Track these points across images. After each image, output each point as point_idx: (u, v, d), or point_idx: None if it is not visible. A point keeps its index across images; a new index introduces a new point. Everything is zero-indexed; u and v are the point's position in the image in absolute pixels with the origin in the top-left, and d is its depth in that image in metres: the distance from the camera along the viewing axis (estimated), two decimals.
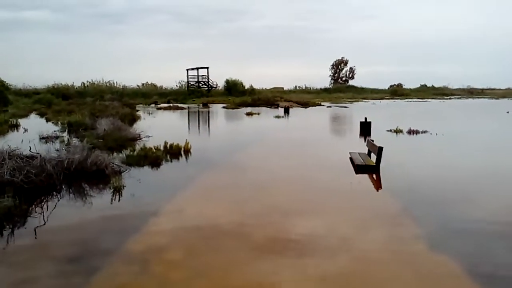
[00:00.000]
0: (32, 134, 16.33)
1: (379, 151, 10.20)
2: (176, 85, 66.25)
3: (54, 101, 39.49)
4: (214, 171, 10.68)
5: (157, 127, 21.52)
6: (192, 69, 62.46)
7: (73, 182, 9.01)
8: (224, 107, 40.94)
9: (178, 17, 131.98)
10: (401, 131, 18.41)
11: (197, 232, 6.23)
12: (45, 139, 15.40)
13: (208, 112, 36.28)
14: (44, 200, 7.83)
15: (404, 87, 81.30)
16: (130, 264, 5.09)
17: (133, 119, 25.45)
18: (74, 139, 15.09)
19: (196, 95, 56.46)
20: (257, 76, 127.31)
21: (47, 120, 24.60)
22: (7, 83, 42.42)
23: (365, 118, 18.50)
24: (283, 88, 74.66)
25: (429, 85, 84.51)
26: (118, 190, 8.33)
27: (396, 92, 73.44)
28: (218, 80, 64.40)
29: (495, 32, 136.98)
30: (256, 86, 64.13)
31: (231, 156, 13.02)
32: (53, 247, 5.67)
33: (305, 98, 52.05)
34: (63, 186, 8.69)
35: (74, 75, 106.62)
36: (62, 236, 6.09)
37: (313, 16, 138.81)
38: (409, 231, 6.28)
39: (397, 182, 9.39)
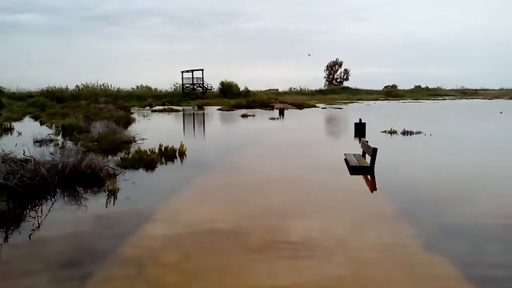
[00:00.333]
0: (26, 137, 16.25)
1: (374, 152, 10.24)
2: (171, 88, 66.18)
3: (48, 104, 39.30)
4: (209, 173, 10.68)
5: (152, 129, 21.48)
6: (187, 71, 62.42)
7: (68, 185, 8.98)
8: (219, 109, 40.92)
9: (172, 20, 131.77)
10: (395, 132, 18.49)
11: (192, 235, 6.22)
12: (39, 142, 15.32)
13: (203, 114, 36.25)
14: (38, 204, 7.80)
15: (398, 88, 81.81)
16: (125, 267, 5.08)
17: (128, 121, 25.36)
18: (68, 142, 15.04)
19: (191, 97, 56.39)
20: (252, 78, 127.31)
21: (41, 124, 24.46)
22: (0, 87, 42.21)
23: (360, 119, 18.54)
24: (278, 89, 74.74)
25: (423, 86, 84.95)
26: (113, 193, 8.31)
27: (391, 93, 73.73)
28: (213, 82, 64.51)
29: (488, 33, 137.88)
30: (251, 88, 64.30)
31: (226, 158, 13.02)
32: (47, 251, 5.65)
33: (300, 99, 52.13)
34: (58, 190, 8.65)
35: (68, 78, 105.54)
36: (56, 240, 6.06)
37: (307, 18, 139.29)
38: (403, 232, 6.31)
39: (391, 183, 9.43)
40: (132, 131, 17.63)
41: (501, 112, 32.33)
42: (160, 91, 65.52)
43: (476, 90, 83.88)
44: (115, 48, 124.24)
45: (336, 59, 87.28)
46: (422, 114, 33.16)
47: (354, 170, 10.42)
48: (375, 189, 9.13)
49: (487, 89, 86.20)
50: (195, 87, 62.31)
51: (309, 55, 53.29)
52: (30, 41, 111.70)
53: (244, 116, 31.27)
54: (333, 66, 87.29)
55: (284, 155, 13.75)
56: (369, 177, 9.96)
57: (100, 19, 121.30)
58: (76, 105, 37.01)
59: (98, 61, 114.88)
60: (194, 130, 24.36)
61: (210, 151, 15.18)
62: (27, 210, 7.39)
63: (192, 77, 62.32)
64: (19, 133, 19.04)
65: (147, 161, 11.27)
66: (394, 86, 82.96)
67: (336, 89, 77.83)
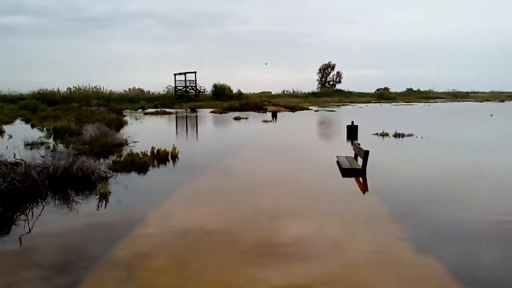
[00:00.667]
0: (17, 140, 16.12)
1: (365, 154, 10.30)
2: (164, 90, 66.14)
3: (40, 106, 38.99)
4: (202, 176, 10.66)
5: (144, 132, 21.41)
6: (180, 73, 62.40)
7: (59, 188, 8.92)
8: (212, 112, 40.89)
9: (164, 22, 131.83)
10: (387, 135, 18.61)
11: (184, 238, 6.22)
12: (30, 145, 15.22)
13: (196, 117, 36.21)
14: (29, 208, 7.74)
15: (390, 90, 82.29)
16: (116, 270, 5.05)
17: (120, 124, 25.27)
18: (59, 145, 14.95)
19: (183, 100, 56.30)
20: (245, 80, 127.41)
21: (33, 126, 24.30)
22: None
23: (352, 122, 18.64)
24: (271, 92, 75.00)
25: (415, 88, 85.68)
26: (104, 197, 8.27)
27: (383, 95, 74.24)
28: (206, 84, 64.54)
29: (479, 37, 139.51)
30: (244, 91, 64.34)
31: (219, 160, 13.02)
32: (38, 255, 5.61)
33: (292, 102, 52.28)
34: (49, 193, 8.60)
35: (60, 80, 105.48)
36: (47, 244, 6.02)
37: (299, 20, 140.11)
38: (395, 233, 6.34)
39: (383, 185, 9.48)
40: (124, 134, 17.56)
41: (491, 115, 32.66)
42: (153, 93, 65.43)
43: (467, 92, 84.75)
44: (107, 50, 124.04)
45: (329, 62, 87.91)
46: (414, 116, 33.39)
47: (346, 172, 10.47)
48: (367, 191, 9.18)
49: (478, 92, 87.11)
50: (188, 89, 62.27)
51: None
52: (21, 43, 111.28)
53: (237, 118, 31.28)
54: (325, 69, 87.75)
55: (277, 157, 13.77)
56: (361, 179, 10.01)
57: (92, 21, 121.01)
58: (68, 108, 36.77)
59: (90, 63, 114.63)
60: (186, 132, 24.33)
61: (202, 154, 15.17)
62: (18, 214, 7.33)
63: (185, 80, 62.30)
64: (10, 136, 18.90)
65: (139, 164, 11.23)
66: (386, 89, 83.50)
67: (329, 91, 78.19)
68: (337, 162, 11.68)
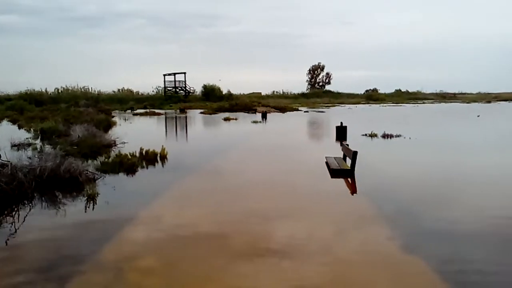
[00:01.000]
0: (3, 141, 15.87)
1: (354, 155, 10.36)
2: (153, 91, 65.84)
3: (27, 107, 38.52)
4: (191, 177, 10.63)
5: (133, 133, 21.28)
6: (169, 74, 62.20)
7: (46, 190, 8.83)
8: (201, 113, 40.79)
9: (154, 22, 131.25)
10: (375, 135, 18.75)
11: (173, 239, 6.19)
12: (17, 146, 15.04)
13: (186, 117, 36.10)
14: (15, 209, 7.65)
15: (379, 92, 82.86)
16: (103, 272, 5.02)
17: (109, 125, 25.09)
18: (47, 146, 14.79)
19: (173, 101, 56.10)
20: (235, 81, 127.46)
21: (20, 127, 24.01)
22: None
23: (341, 123, 18.75)
24: (261, 93, 74.98)
25: (403, 90, 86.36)
26: (92, 198, 8.20)
27: (372, 97, 74.77)
28: (196, 85, 64.33)
29: (466, 39, 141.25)
30: (234, 91, 64.29)
31: (209, 161, 12.99)
32: (25, 256, 5.55)
33: (282, 103, 52.37)
34: (35, 195, 8.50)
35: (48, 81, 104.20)
36: (34, 245, 5.96)
37: (289, 22, 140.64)
38: (383, 233, 6.39)
39: (371, 186, 9.55)
40: (112, 135, 17.45)
41: (478, 116, 33.09)
42: (142, 94, 65.07)
43: (454, 94, 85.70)
44: (97, 50, 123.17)
45: (318, 63, 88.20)
46: (402, 117, 33.69)
47: (334, 173, 10.53)
48: (355, 192, 9.24)
49: (465, 93, 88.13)
50: (178, 90, 62.08)
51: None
52: (8, 43, 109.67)
53: (226, 119, 31.25)
54: (315, 70, 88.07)
55: (266, 158, 13.79)
56: (349, 180, 10.07)
57: (81, 21, 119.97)
58: (55, 108, 36.37)
59: (78, 64, 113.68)
60: (176, 133, 24.24)
61: (192, 154, 15.13)
62: (4, 216, 7.25)
63: (175, 80, 62.11)
64: None
65: (127, 165, 11.16)
66: (375, 90, 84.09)
67: (318, 92, 78.52)
68: (326, 162, 11.74)
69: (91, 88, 59.72)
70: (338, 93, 78.27)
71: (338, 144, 16.25)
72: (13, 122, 27.91)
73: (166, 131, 25.68)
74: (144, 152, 12.66)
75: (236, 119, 31.92)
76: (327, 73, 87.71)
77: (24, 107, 38.05)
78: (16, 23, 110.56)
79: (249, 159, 13.64)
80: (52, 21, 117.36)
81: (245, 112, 40.88)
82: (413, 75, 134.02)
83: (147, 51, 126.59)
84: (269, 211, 7.56)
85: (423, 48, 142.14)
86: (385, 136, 18.57)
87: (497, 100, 70.92)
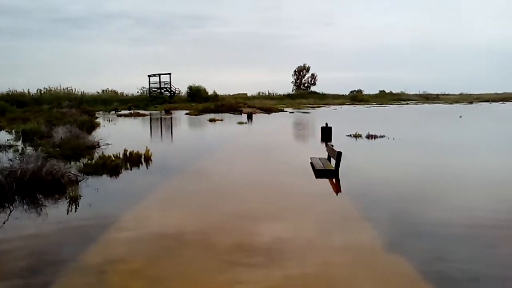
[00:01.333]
0: None
1: (338, 156, 10.43)
2: (138, 92, 65.37)
3: (9, 108, 37.67)
4: (176, 179, 10.57)
5: (117, 134, 21.08)
6: (154, 75, 61.80)
7: (27, 192, 8.67)
8: (187, 114, 40.62)
9: (140, 22, 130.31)
10: (360, 136, 18.91)
11: (158, 241, 6.13)
12: None
13: (171, 118, 35.89)
14: None
15: (363, 93, 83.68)
16: (86, 275, 4.95)
17: (92, 126, 24.78)
18: (28, 148, 14.53)
19: (158, 102, 55.76)
20: (221, 82, 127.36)
21: (1, 129, 23.54)
22: None
23: (326, 124, 18.86)
24: (246, 94, 74.99)
25: (387, 91, 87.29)
26: (74, 200, 8.09)
27: (356, 97, 75.42)
28: (181, 86, 64.05)
29: (448, 40, 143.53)
30: (219, 92, 64.23)
31: (193, 163, 12.94)
32: (5, 261, 5.44)
33: (268, 104, 52.50)
34: (16, 197, 8.35)
35: (30, 82, 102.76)
36: (14, 249, 5.83)
37: (275, 23, 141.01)
38: (367, 233, 6.45)
39: (356, 186, 9.63)
40: (96, 136, 17.25)
41: (460, 116, 33.64)
42: (127, 95, 64.55)
43: (437, 95, 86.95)
44: (81, 51, 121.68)
45: (304, 64, 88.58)
46: (386, 118, 34.06)
47: (319, 173, 10.58)
48: (340, 192, 9.30)
49: (447, 94, 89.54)
50: (163, 91, 61.72)
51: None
52: None
53: (212, 120, 31.17)
54: (300, 71, 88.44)
55: (252, 159, 13.80)
56: (334, 180, 10.13)
57: (66, 22, 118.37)
58: (38, 110, 35.80)
59: (63, 65, 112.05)
60: (161, 135, 24.08)
61: (177, 156, 15.05)
62: None
63: (160, 81, 61.75)
64: None
65: (111, 167, 11.04)
66: (359, 91, 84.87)
67: (304, 93, 78.88)
68: (311, 163, 11.79)
69: (75, 89, 59.06)
70: (324, 94, 78.75)
71: (323, 144, 16.34)
72: None
73: (150, 132, 25.48)
74: (128, 154, 12.54)
75: (221, 120, 31.86)
76: (313, 74, 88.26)
77: (5, 108, 37.24)
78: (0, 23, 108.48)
79: (234, 160, 13.62)
80: (37, 22, 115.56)
81: (230, 113, 40.84)
82: (397, 76, 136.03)
83: (134, 52, 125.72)
84: (254, 212, 7.56)
85: (407, 50, 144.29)
86: (369, 136, 18.74)
87: (479, 101, 72.25)
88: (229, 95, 69.30)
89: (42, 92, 55.07)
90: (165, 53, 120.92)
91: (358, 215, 7.43)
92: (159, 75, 61.42)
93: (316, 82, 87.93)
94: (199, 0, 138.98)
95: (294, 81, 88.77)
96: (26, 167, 9.06)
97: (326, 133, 18.61)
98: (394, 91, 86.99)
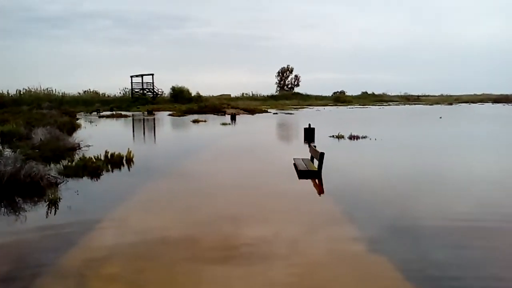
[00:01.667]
0: None
1: (321, 156, 10.48)
2: (120, 92, 64.61)
3: None
4: (158, 181, 10.46)
5: (98, 136, 20.82)
6: (136, 76, 61.16)
7: (5, 195, 8.47)
8: (170, 115, 40.34)
9: (120, 23, 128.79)
10: (342, 137, 19.06)
11: (139, 244, 6.05)
12: None
13: (154, 119, 35.59)
14: None
15: (346, 94, 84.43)
16: (65, 280, 4.85)
17: (73, 128, 24.38)
18: (7, 150, 14.20)
19: (140, 103, 55.22)
20: (204, 83, 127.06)
21: None
22: None
23: (309, 125, 18.94)
24: (230, 95, 74.89)
25: (369, 92, 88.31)
26: (54, 203, 7.93)
27: (339, 99, 76.10)
28: (164, 87, 63.57)
29: (429, 42, 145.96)
30: (203, 93, 63.93)
31: (176, 164, 12.84)
32: None
33: (252, 105, 52.54)
34: None
35: (9, 82, 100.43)
36: None
37: (257, 24, 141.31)
38: (350, 233, 6.48)
39: (338, 186, 9.69)
40: (77, 138, 16.99)
41: (440, 117, 34.23)
42: (108, 96, 63.75)
43: (418, 96, 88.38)
44: (61, 51, 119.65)
45: (287, 65, 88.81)
46: (368, 119, 34.41)
47: (302, 174, 10.61)
48: (323, 192, 9.34)
49: (428, 95, 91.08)
50: (145, 92, 61.15)
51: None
52: None
53: (195, 121, 31.02)
54: (284, 72, 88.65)
55: (235, 160, 13.77)
56: (317, 180, 10.17)
57: (44, 21, 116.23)
58: (17, 111, 35.04)
59: (42, 65, 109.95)
60: (144, 136, 23.84)
61: (159, 157, 14.92)
62: None
63: (142, 82, 61.12)
64: None
65: (92, 169, 10.87)
66: (342, 92, 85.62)
67: (287, 94, 79.11)
68: (294, 164, 11.82)
69: (55, 89, 57.89)
70: (307, 95, 79.16)
71: (307, 145, 16.41)
72: None
73: (133, 134, 25.21)
74: (109, 155, 12.37)
75: (205, 121, 31.73)
76: (296, 76, 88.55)
77: None
78: None
79: (217, 162, 13.57)
80: (14, 21, 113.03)
81: (214, 114, 40.73)
82: (379, 78, 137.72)
83: (114, 52, 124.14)
84: (238, 213, 7.53)
85: (389, 52, 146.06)
86: (351, 137, 18.90)
87: (458, 102, 73.82)
88: (212, 96, 69.14)
89: (21, 93, 53.92)
90: (146, 54, 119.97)
91: (340, 215, 7.48)
92: (142, 75, 60.82)
93: (300, 83, 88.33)
94: (178, 0, 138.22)
95: (277, 82, 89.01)
96: (4, 170, 8.86)
97: (309, 134, 18.70)
98: (376, 92, 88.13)
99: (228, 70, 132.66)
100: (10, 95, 52.27)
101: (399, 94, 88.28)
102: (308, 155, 12.72)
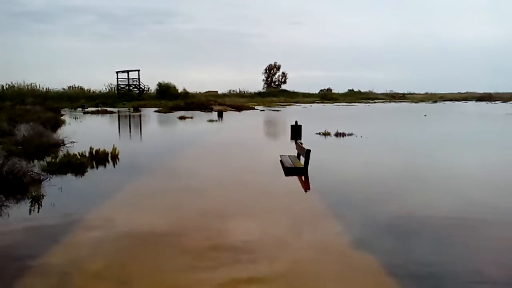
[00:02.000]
0: None
1: (307, 153, 10.53)
2: (105, 88, 63.85)
3: None
4: (143, 177, 10.38)
5: (83, 132, 20.59)
6: (122, 71, 60.55)
7: None
8: (156, 111, 40.06)
9: (105, 18, 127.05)
10: (329, 134, 19.16)
11: (124, 241, 6.01)
12: None
13: (140, 116, 35.31)
14: None
15: (333, 91, 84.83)
16: (47, 278, 4.79)
17: (57, 124, 24.08)
18: None
19: (126, 99, 54.69)
20: (191, 79, 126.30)
21: None
22: None
23: (296, 122, 18.99)
24: (217, 91, 74.69)
25: (356, 89, 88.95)
26: (37, 200, 7.82)
27: (326, 96, 76.47)
28: (150, 83, 63.10)
29: (415, 41, 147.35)
30: (189, 90, 63.54)
31: (162, 161, 12.77)
32: None
33: (239, 102, 52.48)
34: None
35: None
36: None
37: (243, 21, 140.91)
38: (335, 229, 6.52)
39: (324, 183, 9.75)
40: (61, 134, 16.77)
41: (425, 115, 34.65)
42: (94, 91, 63.02)
43: (403, 94, 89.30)
44: (45, 46, 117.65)
45: (275, 62, 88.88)
46: (354, 116, 34.65)
47: (288, 171, 10.65)
48: (309, 189, 9.38)
49: (413, 93, 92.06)
50: (131, 88, 60.58)
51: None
52: None
53: (182, 118, 30.86)
54: (271, 69, 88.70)
55: (222, 157, 13.74)
56: (303, 177, 10.22)
57: (26, 15, 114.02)
58: (0, 106, 34.42)
59: (25, 60, 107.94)
60: (129, 132, 23.64)
61: (145, 154, 14.81)
62: None
63: (128, 78, 60.56)
64: None
65: (76, 165, 10.74)
66: (329, 90, 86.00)
67: (275, 91, 79.20)
68: (281, 161, 11.85)
69: (39, 85, 56.93)
70: (294, 93, 79.36)
71: (293, 142, 16.45)
72: None
73: (118, 130, 24.97)
74: (94, 152, 12.23)
75: (192, 117, 31.60)
76: (283, 73, 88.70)
77: None
78: None
79: (204, 158, 13.53)
80: None
81: (201, 111, 40.57)
82: (365, 75, 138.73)
83: (99, 48, 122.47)
84: (224, 210, 7.53)
85: (375, 50, 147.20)
86: (338, 134, 19.02)
87: (443, 100, 74.77)
88: (199, 92, 68.79)
89: (4, 88, 52.96)
90: (132, 49, 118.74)
91: (326, 211, 7.52)
92: (128, 71, 60.23)
93: (287, 81, 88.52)
94: None
95: (264, 79, 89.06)
96: None
97: (295, 131, 18.75)
98: (362, 90, 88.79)
99: (215, 66, 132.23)
100: None
101: (385, 92, 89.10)
102: (294, 152, 12.76)
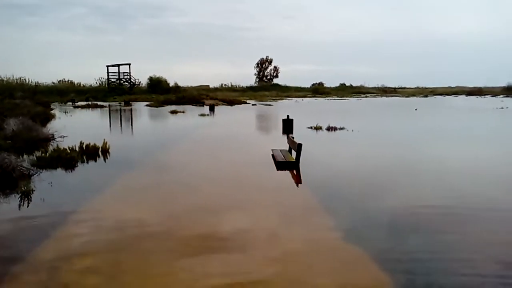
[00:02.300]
0: None
1: (299, 147, 10.54)
2: (96, 82, 63.36)
3: None
4: (135, 172, 10.33)
5: (74, 126, 20.41)
6: (113, 65, 60.06)
7: None
8: (147, 105, 39.86)
9: (96, 11, 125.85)
10: (320, 128, 19.21)
11: (114, 235, 5.96)
12: None
13: (131, 110, 35.07)
14: None
15: (325, 85, 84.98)
16: (36, 273, 4.75)
17: (47, 118, 23.83)
18: None
19: (117, 93, 54.33)
20: (183, 73, 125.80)
21: None
22: None
23: (288, 116, 19.00)
24: (209, 86, 74.44)
25: (347, 84, 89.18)
26: (27, 195, 7.75)
27: (318, 90, 76.58)
28: (141, 77, 62.72)
29: (406, 35, 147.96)
30: (181, 84, 63.26)
31: (154, 155, 12.70)
32: None
33: (231, 96, 52.39)
34: None
35: None
36: None
37: (235, 15, 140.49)
38: (326, 223, 6.54)
39: (316, 177, 9.77)
40: (51, 128, 16.61)
41: (416, 109, 34.86)
42: (84, 86, 62.53)
43: (395, 88, 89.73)
44: (34, 39, 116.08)
45: (266, 56, 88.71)
46: (346, 110, 34.76)
47: (280, 165, 10.66)
48: (300, 183, 9.40)
49: (404, 87, 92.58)
50: (122, 82, 60.13)
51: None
52: None
53: (173, 112, 30.72)
54: (263, 64, 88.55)
55: (213, 151, 13.71)
56: (294, 171, 10.23)
57: (17, 8, 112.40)
58: None
59: (14, 53, 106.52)
60: (120, 127, 23.48)
61: (136, 148, 14.73)
62: None
63: (119, 72, 60.10)
64: None
65: (66, 160, 10.65)
66: (321, 84, 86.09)
67: (266, 86, 79.16)
68: (272, 155, 11.85)
69: (28, 79, 56.19)
70: (286, 87, 79.38)
71: (285, 136, 16.45)
72: None
73: (109, 124, 24.80)
74: (84, 146, 12.14)
75: (183, 112, 31.47)
76: (275, 67, 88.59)
77: None
78: None
79: (195, 153, 13.49)
80: None
81: (192, 105, 40.45)
82: (357, 70, 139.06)
83: (89, 41, 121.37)
84: (216, 204, 7.51)
85: (367, 45, 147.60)
86: (329, 128, 19.07)
87: (433, 95, 75.28)
88: (191, 86, 68.53)
89: None
90: (123, 43, 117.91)
91: (317, 206, 7.54)
92: (118, 65, 59.74)
93: (279, 75, 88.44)
94: None
95: (256, 73, 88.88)
96: None
97: (287, 125, 18.76)
98: (354, 84, 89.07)
99: (207, 60, 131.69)
100: None
101: (376, 86, 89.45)
102: (286, 146, 12.77)
